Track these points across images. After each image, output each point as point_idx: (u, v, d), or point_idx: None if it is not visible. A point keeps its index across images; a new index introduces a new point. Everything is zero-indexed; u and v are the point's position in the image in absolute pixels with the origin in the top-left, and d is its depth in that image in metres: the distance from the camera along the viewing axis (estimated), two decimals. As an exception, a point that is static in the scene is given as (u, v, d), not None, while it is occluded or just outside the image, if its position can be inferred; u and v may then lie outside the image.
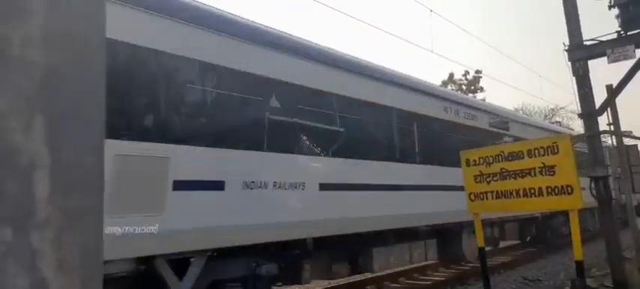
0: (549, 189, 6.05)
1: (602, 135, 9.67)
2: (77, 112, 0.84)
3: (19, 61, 0.77)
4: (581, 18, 9.22)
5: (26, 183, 0.76)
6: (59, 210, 0.80)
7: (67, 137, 0.82)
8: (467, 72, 39.54)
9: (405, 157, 10.04)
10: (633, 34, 8.69)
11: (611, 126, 9.54)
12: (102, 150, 0.90)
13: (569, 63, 9.17)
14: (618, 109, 9.49)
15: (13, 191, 0.75)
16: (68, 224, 0.80)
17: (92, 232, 0.85)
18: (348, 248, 8.94)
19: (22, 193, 0.76)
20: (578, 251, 5.83)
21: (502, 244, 15.93)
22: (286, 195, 6.97)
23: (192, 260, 6.13)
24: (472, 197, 6.90)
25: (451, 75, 39.71)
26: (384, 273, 11.94)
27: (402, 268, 11.11)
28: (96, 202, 0.87)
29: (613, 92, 9.30)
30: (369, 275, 11.15)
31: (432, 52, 26.51)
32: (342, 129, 8.37)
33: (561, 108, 38.23)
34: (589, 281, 9.09)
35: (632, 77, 8.84)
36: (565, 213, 9.43)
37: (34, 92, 0.78)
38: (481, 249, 7.04)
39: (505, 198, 6.53)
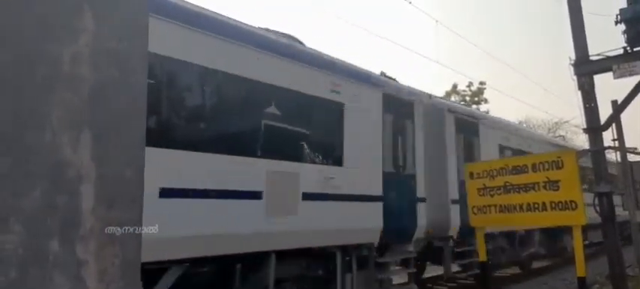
0: (553, 204, 6.06)
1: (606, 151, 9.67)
2: (120, 127, 0.88)
3: (69, 77, 0.81)
4: (588, 32, 9.28)
5: (74, 196, 0.79)
6: (102, 221, 0.83)
7: (110, 151, 0.85)
8: (471, 84, 39.51)
9: None
10: (639, 50, 8.72)
11: (616, 142, 9.54)
12: (142, 164, 0.92)
13: (575, 77, 9.19)
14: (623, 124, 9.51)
15: (61, 203, 0.78)
16: (110, 236, 0.83)
17: (131, 243, 0.88)
18: None
19: (70, 205, 0.79)
20: (580, 268, 5.84)
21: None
22: None
23: None
24: (475, 210, 6.91)
25: (455, 86, 39.65)
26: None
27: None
28: (135, 214, 0.90)
29: (618, 108, 9.32)
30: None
31: (437, 62, 26.62)
32: None
33: (565, 122, 38.19)
34: (591, 298, 9.08)
35: (638, 93, 8.85)
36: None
37: (82, 107, 0.82)
38: (483, 264, 7.04)
39: (508, 212, 6.54)
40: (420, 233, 8.53)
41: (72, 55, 0.83)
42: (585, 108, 9.03)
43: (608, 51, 9.10)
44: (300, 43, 7.48)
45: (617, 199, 10.00)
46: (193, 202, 4.93)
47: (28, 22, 0.79)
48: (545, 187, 6.17)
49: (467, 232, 9.50)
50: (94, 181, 0.84)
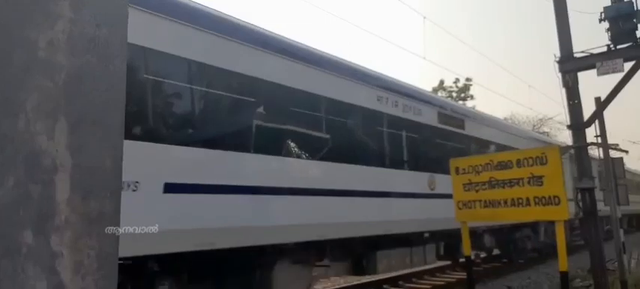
0: (537, 200, 6.12)
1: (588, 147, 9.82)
2: (98, 116, 0.85)
3: (45, 63, 0.78)
4: (573, 30, 9.40)
5: (48, 186, 0.77)
6: (78, 212, 0.80)
7: (87, 140, 0.83)
8: (457, 80, 39.88)
9: None
10: (622, 48, 8.86)
11: (599, 138, 9.70)
12: (120, 154, 0.90)
13: (560, 74, 9.31)
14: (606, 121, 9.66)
15: (35, 194, 0.75)
16: (86, 227, 0.81)
17: (109, 235, 0.86)
18: None
19: (44, 196, 0.77)
20: (563, 262, 5.90)
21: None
22: None
23: None
24: (460, 205, 6.96)
25: (441, 82, 40.01)
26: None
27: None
28: (113, 205, 0.87)
29: (601, 105, 9.47)
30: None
31: (424, 58, 26.78)
32: None
33: (549, 119, 38.72)
34: (572, 292, 9.24)
35: (620, 90, 9.00)
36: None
37: (58, 95, 0.79)
38: (467, 258, 7.10)
39: (493, 207, 6.59)
40: None
41: (48, 40, 0.81)
42: (569, 104, 9.17)
43: (593, 48, 9.24)
44: None
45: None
46: None
47: (2, 5, 0.76)
48: (529, 183, 6.22)
49: None
50: (70, 171, 0.82)
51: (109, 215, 0.89)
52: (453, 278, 12.71)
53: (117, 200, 0.90)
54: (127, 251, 4.34)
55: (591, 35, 10.98)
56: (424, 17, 15.21)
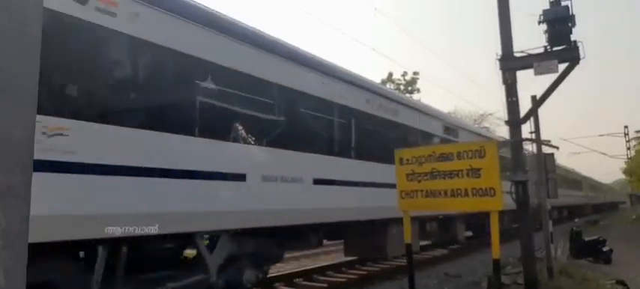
0: (474, 191, 6.39)
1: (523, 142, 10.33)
2: (8, 83, 0.78)
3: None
4: (514, 30, 9.80)
5: (-55, 156, 0.70)
6: (-19, 186, 0.74)
7: (-6, 109, 0.76)
8: (405, 73, 40.85)
9: None
10: (558, 50, 9.33)
11: (533, 135, 10.22)
12: (33, 125, 0.83)
13: (500, 72, 9.70)
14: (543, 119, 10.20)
15: None
16: (-10, 203, 0.75)
17: (16, 210, 0.79)
18: None
19: (-60, 167, 0.69)
20: (495, 250, 6.21)
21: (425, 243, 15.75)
22: None
23: None
24: (403, 195, 7.14)
25: (390, 75, 40.88)
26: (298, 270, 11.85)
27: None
28: (23, 180, 0.80)
29: (536, 103, 9.97)
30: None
31: (373, 50, 27.02)
32: None
33: (490, 114, 40.48)
34: (504, 278, 9.74)
35: (554, 90, 9.50)
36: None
37: (-41, 58, 0.71)
38: (408, 246, 7.29)
39: (433, 197, 6.82)
40: None
41: (-52, -4, 0.73)
42: (508, 101, 9.58)
43: (532, 49, 9.67)
44: None
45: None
46: None
47: None
48: (468, 174, 6.48)
49: None
50: (-28, 141, 0.74)
51: (18, 189, 0.82)
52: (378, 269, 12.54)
53: (27, 174, 0.83)
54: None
55: (532, 36, 11.50)
56: (375, 9, 15.38)
